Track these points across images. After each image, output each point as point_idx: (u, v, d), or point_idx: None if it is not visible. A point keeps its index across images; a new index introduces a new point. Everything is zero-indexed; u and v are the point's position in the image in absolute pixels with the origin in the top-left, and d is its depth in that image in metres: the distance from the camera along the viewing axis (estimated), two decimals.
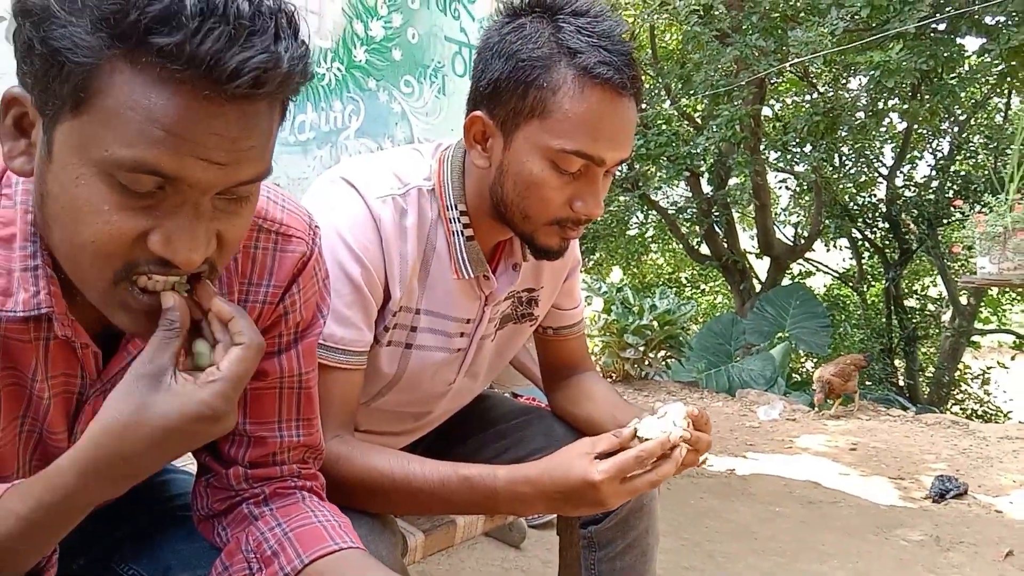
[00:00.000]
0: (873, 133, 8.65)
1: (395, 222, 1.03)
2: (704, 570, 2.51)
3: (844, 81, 8.82)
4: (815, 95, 8.90)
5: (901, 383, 10.22)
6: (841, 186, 9.55)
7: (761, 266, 10.94)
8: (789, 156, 9.04)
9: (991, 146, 9.16)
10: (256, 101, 0.58)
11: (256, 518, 0.82)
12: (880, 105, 7.95)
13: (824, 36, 6.20)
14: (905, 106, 7.77)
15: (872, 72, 6.31)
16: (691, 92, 8.14)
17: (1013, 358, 11.29)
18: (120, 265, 0.61)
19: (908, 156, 9.88)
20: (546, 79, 0.95)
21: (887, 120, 8.82)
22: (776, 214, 11.30)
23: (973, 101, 9.09)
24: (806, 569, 2.56)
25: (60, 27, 0.55)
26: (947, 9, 6.43)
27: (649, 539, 1.29)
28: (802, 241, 10.64)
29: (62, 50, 0.55)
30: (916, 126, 8.98)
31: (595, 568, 1.28)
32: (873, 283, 11.89)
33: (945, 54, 6.60)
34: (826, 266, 12.37)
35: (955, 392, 10.68)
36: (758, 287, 10.19)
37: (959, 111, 9.11)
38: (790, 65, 7.27)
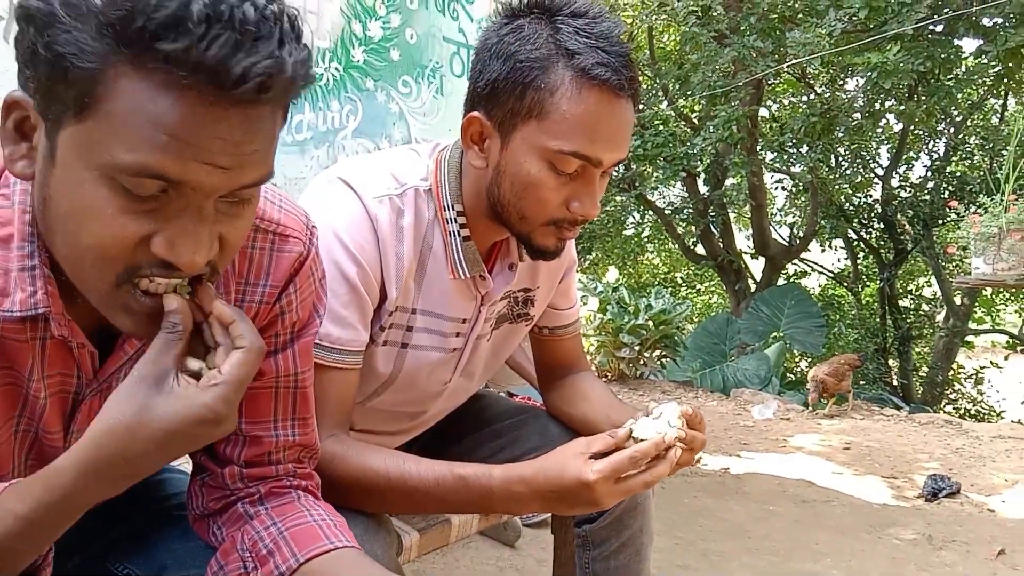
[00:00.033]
0: (869, 134, 8.67)
1: (392, 222, 1.03)
2: (698, 569, 2.52)
3: (841, 82, 8.84)
4: (812, 96, 8.91)
5: (895, 383, 10.25)
6: (837, 187, 9.57)
7: (756, 266, 10.95)
8: (786, 157, 9.05)
9: (987, 147, 9.18)
10: (260, 105, 0.59)
11: (251, 517, 0.82)
12: (877, 106, 7.97)
13: (822, 37, 6.21)
14: (902, 107, 7.79)
15: (869, 73, 6.32)
16: (688, 93, 8.13)
17: (1006, 358, 11.35)
18: (122, 268, 0.61)
19: (904, 157, 9.91)
20: (544, 80, 0.95)
21: (884, 121, 8.84)
22: (772, 214, 11.30)
23: (969, 102, 9.11)
24: (799, 568, 2.57)
25: (65, 32, 0.55)
26: (945, 11, 6.45)
27: (643, 538, 1.29)
28: (798, 241, 10.66)
29: (67, 55, 0.55)
30: (912, 127, 9.01)
31: (589, 567, 1.28)
32: (868, 283, 11.93)
33: (942, 55, 6.61)
34: (821, 266, 12.39)
35: (948, 392, 10.72)
36: (753, 287, 10.20)
37: (955, 112, 9.14)
38: (788, 66, 7.28)
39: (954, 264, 9.21)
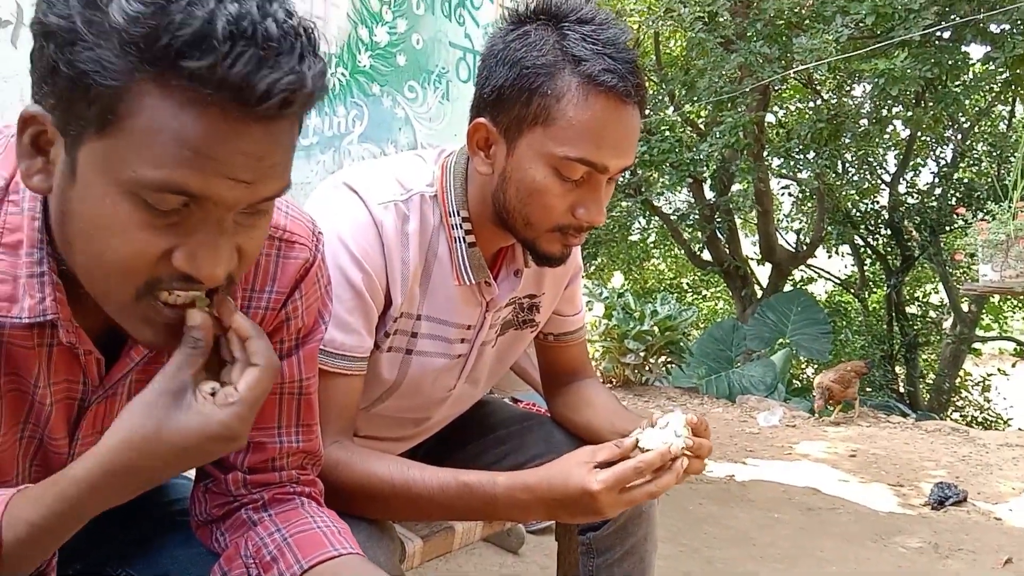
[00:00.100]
0: (876, 140, 8.64)
1: (397, 228, 1.03)
2: None
3: (848, 88, 8.82)
4: (819, 102, 8.89)
5: (901, 390, 10.20)
6: (844, 193, 9.53)
7: (763, 272, 10.93)
8: (792, 163, 9.02)
9: (994, 154, 9.16)
10: (281, 120, 0.59)
11: (255, 523, 0.82)
12: (884, 112, 7.96)
13: (829, 43, 6.20)
14: (909, 113, 7.77)
15: (876, 79, 6.32)
16: (695, 99, 8.13)
17: (1014, 365, 11.29)
18: (143, 282, 0.61)
19: (911, 163, 9.89)
20: (550, 86, 0.95)
21: (891, 127, 8.82)
22: (778, 220, 11.28)
23: (977, 109, 9.08)
24: (805, 575, 2.56)
25: (87, 50, 0.54)
26: (952, 17, 6.44)
27: (647, 546, 1.29)
28: (804, 247, 10.62)
29: (89, 72, 0.54)
30: (920, 133, 8.98)
31: (593, 574, 1.27)
32: (875, 290, 11.89)
33: (950, 62, 6.61)
34: (828, 272, 12.36)
35: (955, 399, 10.68)
36: (759, 293, 10.18)
37: (963, 119, 9.12)
38: (794, 72, 7.27)
39: (961, 271, 9.19)
